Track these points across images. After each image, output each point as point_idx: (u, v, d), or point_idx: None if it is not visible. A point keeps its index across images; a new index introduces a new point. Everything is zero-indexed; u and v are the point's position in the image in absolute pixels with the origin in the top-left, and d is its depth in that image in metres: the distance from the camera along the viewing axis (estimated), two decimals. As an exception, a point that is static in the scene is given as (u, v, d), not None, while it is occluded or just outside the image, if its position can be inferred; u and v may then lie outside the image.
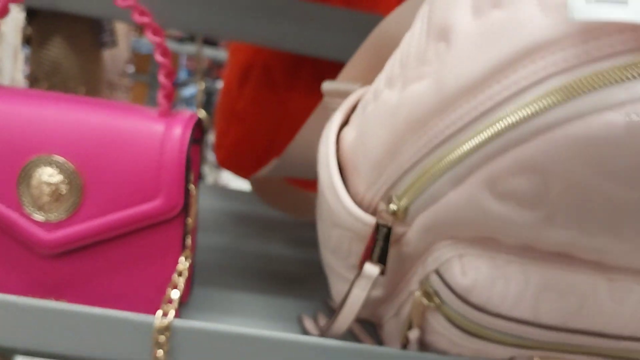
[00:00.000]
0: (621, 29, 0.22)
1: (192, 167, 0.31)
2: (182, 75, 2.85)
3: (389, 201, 0.28)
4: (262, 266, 0.45)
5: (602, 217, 0.24)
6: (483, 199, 0.25)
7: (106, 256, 0.31)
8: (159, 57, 0.31)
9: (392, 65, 0.30)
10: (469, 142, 0.24)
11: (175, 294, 0.30)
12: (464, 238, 0.27)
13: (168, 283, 0.31)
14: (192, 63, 2.91)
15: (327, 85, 0.38)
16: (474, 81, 0.24)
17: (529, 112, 0.23)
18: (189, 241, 0.32)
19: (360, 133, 0.31)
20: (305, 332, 0.35)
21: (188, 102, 2.63)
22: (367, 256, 0.29)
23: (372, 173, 0.29)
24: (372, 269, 0.29)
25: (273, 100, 0.67)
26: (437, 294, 0.28)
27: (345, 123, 0.34)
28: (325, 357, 0.29)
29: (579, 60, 0.22)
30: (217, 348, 0.28)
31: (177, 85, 2.18)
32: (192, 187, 0.31)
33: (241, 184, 0.74)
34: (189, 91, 2.70)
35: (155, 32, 0.31)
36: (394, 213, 0.28)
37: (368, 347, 0.29)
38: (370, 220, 0.29)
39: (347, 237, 0.31)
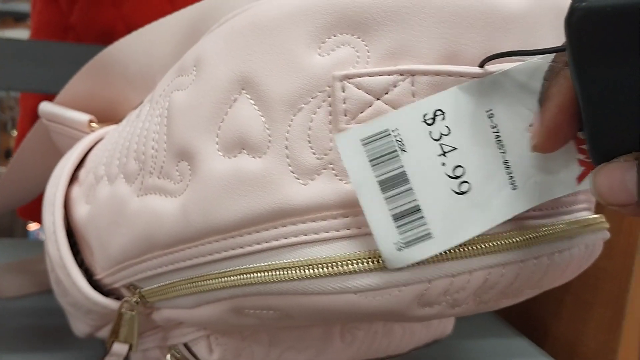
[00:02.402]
0: None
1: None
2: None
3: (133, 293, 0.28)
4: (31, 322, 0.43)
5: None
6: (229, 317, 0.26)
7: None
8: None
9: (126, 151, 0.28)
10: (220, 279, 0.24)
11: None
12: None
13: None
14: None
15: (43, 107, 0.36)
16: (224, 225, 0.23)
17: (281, 276, 0.23)
18: None
19: (93, 216, 0.29)
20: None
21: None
22: (115, 336, 0.29)
23: (111, 267, 0.29)
24: (121, 348, 0.29)
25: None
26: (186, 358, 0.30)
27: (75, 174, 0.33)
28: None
29: (332, 235, 0.22)
30: None
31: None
32: None
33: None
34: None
35: None
36: (138, 303, 0.28)
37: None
38: (113, 305, 0.29)
39: (84, 311, 0.30)
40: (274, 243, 0.23)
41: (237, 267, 0.24)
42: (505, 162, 0.22)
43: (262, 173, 0.23)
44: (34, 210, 0.56)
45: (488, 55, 0.22)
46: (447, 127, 0.22)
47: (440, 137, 0.21)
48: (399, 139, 0.21)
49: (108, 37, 0.64)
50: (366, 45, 0.22)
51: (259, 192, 0.23)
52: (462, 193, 0.22)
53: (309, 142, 0.22)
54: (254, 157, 0.23)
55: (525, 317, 0.51)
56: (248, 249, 0.23)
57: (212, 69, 0.24)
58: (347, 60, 0.22)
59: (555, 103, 0.20)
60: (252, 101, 0.23)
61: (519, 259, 0.23)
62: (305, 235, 0.22)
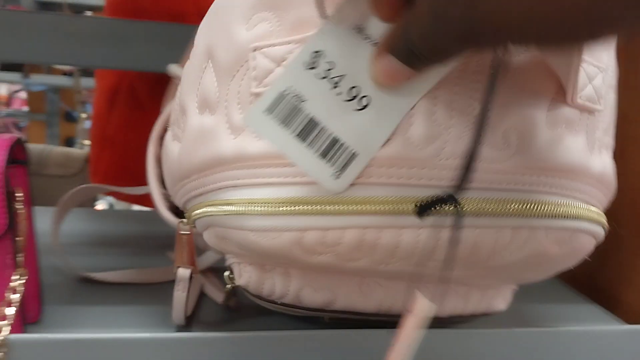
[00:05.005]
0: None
1: (15, 187, 0.32)
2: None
3: (184, 214, 0.34)
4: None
5: None
6: (219, 243, 0.31)
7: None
8: None
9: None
10: (197, 210, 0.31)
11: (9, 311, 0.31)
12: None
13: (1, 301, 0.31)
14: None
15: (172, 70, 0.40)
16: (192, 170, 0.30)
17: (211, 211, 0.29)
18: (21, 259, 0.32)
19: (179, 152, 0.33)
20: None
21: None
22: (180, 261, 0.34)
23: (172, 188, 0.35)
24: (184, 272, 0.33)
25: (142, 121, 0.68)
26: (232, 279, 0.35)
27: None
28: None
29: (252, 182, 0.27)
30: (61, 358, 0.30)
31: (76, 120, 2.13)
32: (19, 206, 0.32)
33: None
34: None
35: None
36: (187, 224, 0.33)
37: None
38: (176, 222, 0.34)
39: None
40: (212, 187, 0.29)
41: (200, 202, 0.30)
42: None
43: (212, 127, 0.28)
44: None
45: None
46: (328, 62, 0.25)
47: (327, 73, 0.25)
48: (295, 94, 0.25)
49: (179, 19, 0.67)
50: (278, 20, 0.26)
51: (208, 143, 0.28)
52: (365, 107, 0.24)
53: (238, 103, 0.27)
54: (210, 115, 0.28)
55: (593, 285, 0.51)
56: (200, 190, 0.30)
57: (197, 43, 0.30)
58: (265, 34, 0.26)
59: None
60: (212, 69, 0.29)
61: (398, 225, 0.25)
62: (238, 179, 0.27)
